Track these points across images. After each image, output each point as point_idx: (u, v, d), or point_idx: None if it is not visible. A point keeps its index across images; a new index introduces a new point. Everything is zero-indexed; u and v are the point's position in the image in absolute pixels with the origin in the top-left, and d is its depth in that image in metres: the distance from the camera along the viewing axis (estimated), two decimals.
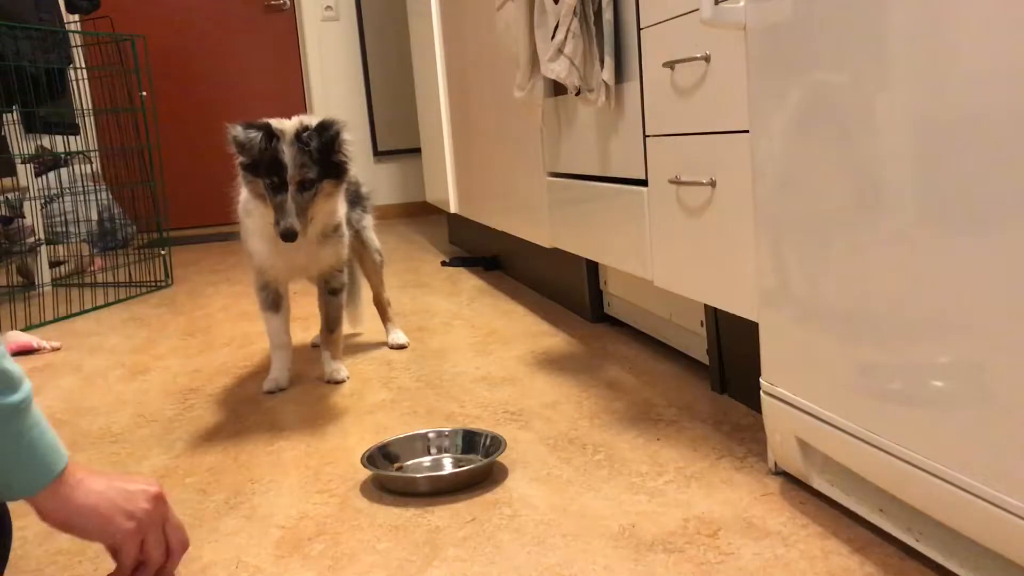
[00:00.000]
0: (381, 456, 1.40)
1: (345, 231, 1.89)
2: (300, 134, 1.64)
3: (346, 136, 1.69)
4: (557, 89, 2.08)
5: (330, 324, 1.96)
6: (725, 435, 1.44)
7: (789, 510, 1.16)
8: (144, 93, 3.55)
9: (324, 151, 1.66)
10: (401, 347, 2.20)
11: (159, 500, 0.97)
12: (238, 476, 1.44)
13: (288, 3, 5.76)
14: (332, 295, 1.95)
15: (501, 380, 1.86)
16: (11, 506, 1.38)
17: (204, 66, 5.79)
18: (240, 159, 1.68)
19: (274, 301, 1.91)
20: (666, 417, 1.55)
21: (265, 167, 1.64)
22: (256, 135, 1.63)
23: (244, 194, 1.81)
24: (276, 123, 1.67)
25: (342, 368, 1.95)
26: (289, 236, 1.64)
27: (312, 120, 1.68)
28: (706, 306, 1.69)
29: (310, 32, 5.65)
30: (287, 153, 1.63)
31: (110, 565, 0.97)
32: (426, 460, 1.43)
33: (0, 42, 3.08)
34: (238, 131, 1.64)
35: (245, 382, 2.01)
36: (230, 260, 4.25)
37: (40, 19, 3.25)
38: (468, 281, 3.14)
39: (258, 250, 1.85)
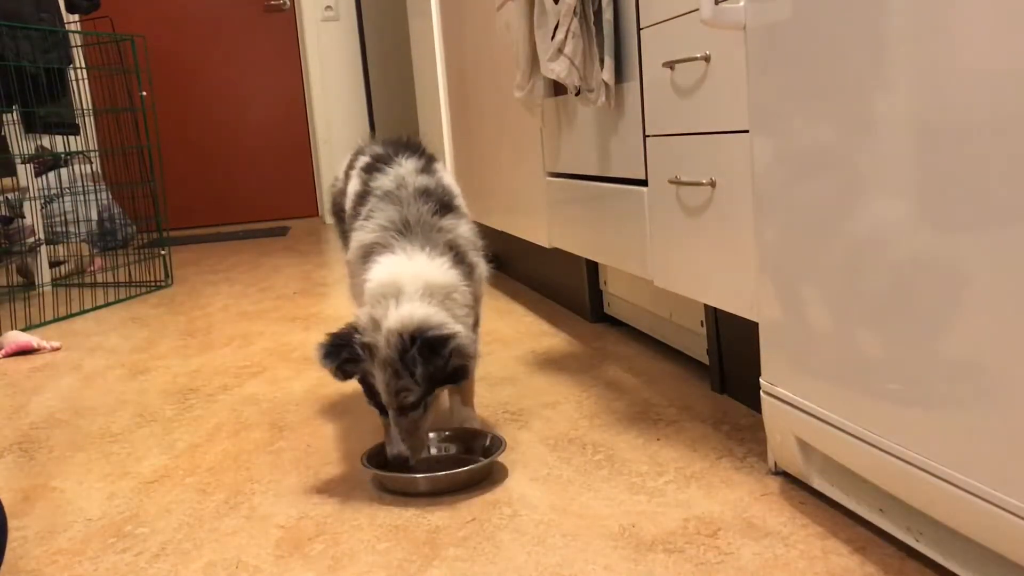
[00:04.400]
0: (381, 455, 1.40)
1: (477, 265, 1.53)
2: (401, 354, 1.27)
3: (463, 343, 1.30)
4: (557, 89, 2.08)
5: None
6: (725, 435, 1.44)
7: (789, 510, 1.16)
8: (144, 93, 3.55)
9: (434, 372, 1.29)
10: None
11: None
12: (238, 476, 1.44)
13: (288, 3, 5.76)
14: None
15: (501, 380, 1.86)
16: (8, 506, 1.38)
17: (204, 66, 5.79)
18: None
19: None
20: (666, 417, 1.55)
21: (364, 387, 1.35)
22: (332, 366, 1.31)
23: (353, 250, 1.49)
24: (368, 323, 1.31)
25: (475, 416, 1.57)
26: (399, 465, 1.32)
27: (415, 310, 1.30)
28: (706, 306, 1.69)
29: (310, 32, 5.65)
30: (379, 378, 1.29)
31: (110, 566, 0.97)
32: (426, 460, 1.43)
33: (0, 42, 3.08)
34: (318, 356, 1.32)
35: (245, 382, 2.01)
36: (230, 260, 4.25)
37: (40, 19, 3.25)
38: None
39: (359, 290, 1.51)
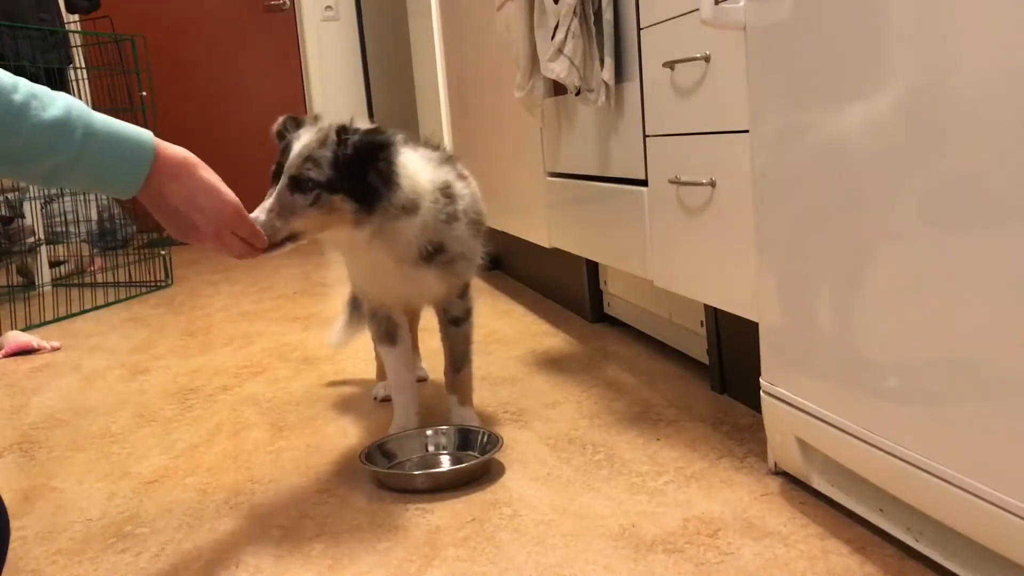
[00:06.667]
0: (379, 454, 1.41)
1: (471, 253, 1.53)
2: (340, 132, 1.30)
3: (380, 142, 1.32)
4: (557, 89, 2.08)
5: (456, 361, 1.56)
6: (725, 435, 1.44)
7: (789, 510, 1.16)
8: (144, 93, 3.55)
9: (353, 158, 1.29)
10: None
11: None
12: (238, 476, 1.44)
13: (288, 3, 5.76)
14: (454, 325, 1.55)
15: (501, 380, 1.86)
16: (8, 506, 1.38)
17: (204, 66, 5.79)
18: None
19: (388, 331, 1.53)
20: (666, 417, 1.55)
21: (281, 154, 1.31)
22: (280, 124, 1.36)
23: None
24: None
25: (474, 416, 1.57)
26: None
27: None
28: (706, 306, 1.69)
29: (310, 32, 5.65)
30: (298, 143, 1.29)
31: (110, 566, 0.97)
32: (424, 457, 1.43)
33: (0, 42, 3.08)
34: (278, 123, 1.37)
35: (245, 382, 2.01)
36: (230, 260, 4.24)
37: (40, 19, 3.26)
38: None
39: (349, 271, 1.55)
